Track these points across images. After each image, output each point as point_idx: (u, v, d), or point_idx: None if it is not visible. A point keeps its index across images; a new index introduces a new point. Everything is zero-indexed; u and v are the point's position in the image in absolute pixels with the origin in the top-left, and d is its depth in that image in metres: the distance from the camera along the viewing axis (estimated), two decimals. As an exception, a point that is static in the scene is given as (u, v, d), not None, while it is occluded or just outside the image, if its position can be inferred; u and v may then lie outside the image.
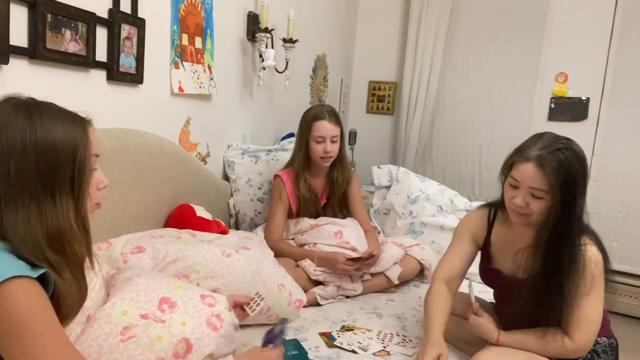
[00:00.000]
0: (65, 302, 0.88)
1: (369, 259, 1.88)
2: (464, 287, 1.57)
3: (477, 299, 1.61)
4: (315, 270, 1.88)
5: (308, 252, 1.94)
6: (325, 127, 2.02)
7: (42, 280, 0.83)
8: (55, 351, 0.80)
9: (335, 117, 2.06)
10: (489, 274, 1.56)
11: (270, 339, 1.18)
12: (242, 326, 1.17)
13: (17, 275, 0.78)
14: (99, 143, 0.96)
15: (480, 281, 1.64)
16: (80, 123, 0.93)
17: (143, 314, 1.02)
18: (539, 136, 1.33)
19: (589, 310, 1.30)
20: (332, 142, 2.04)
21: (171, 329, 1.02)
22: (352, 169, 2.23)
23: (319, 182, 2.15)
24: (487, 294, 1.86)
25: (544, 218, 1.31)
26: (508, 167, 1.35)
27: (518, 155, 1.31)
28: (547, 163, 1.25)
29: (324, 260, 1.88)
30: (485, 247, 1.55)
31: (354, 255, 1.90)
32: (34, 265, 0.82)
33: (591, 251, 1.30)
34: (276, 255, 1.79)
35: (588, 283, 1.30)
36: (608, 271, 1.34)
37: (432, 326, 1.40)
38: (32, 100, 0.89)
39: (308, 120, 2.06)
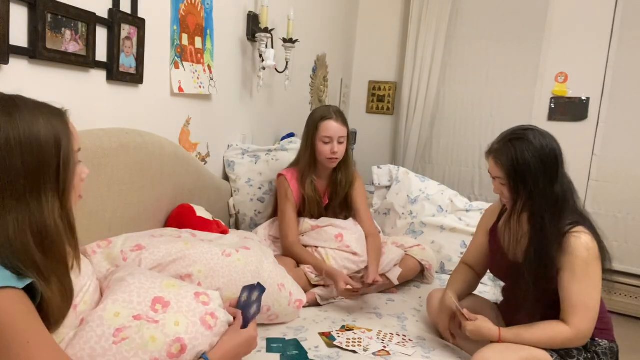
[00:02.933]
0: (53, 308, 0.86)
1: (371, 285, 1.83)
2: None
3: (473, 297, 1.70)
4: (316, 277, 1.88)
5: (319, 263, 1.91)
6: (332, 128, 2.00)
7: (29, 289, 0.81)
8: (42, 359, 0.79)
9: (342, 118, 2.04)
10: (495, 259, 1.60)
11: (243, 310, 1.16)
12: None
13: (2, 286, 0.76)
14: (78, 136, 0.93)
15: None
16: (59, 115, 0.89)
17: (136, 315, 1.02)
18: (506, 131, 1.45)
19: (583, 295, 1.33)
20: (339, 142, 2.02)
21: (165, 329, 1.01)
22: (356, 170, 2.21)
23: (322, 183, 2.14)
24: (487, 294, 1.87)
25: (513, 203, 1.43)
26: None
27: (486, 150, 1.47)
28: (498, 154, 1.40)
29: (330, 275, 1.84)
30: (492, 234, 1.62)
31: (355, 271, 1.92)
32: (19, 274, 0.80)
33: (583, 239, 1.33)
34: (289, 256, 1.82)
35: (579, 269, 1.32)
36: (606, 261, 1.37)
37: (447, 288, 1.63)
38: (8, 97, 0.85)
39: (315, 120, 2.03)
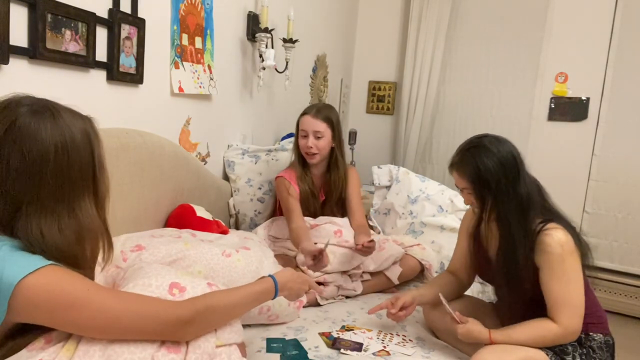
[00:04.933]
0: None
1: (365, 249, 1.78)
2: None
3: (467, 298, 1.70)
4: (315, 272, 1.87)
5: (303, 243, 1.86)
6: (306, 122, 2.02)
7: None
8: (106, 297, 0.87)
9: (322, 114, 2.02)
10: (480, 261, 1.59)
11: None
12: (243, 326, 1.17)
13: (41, 266, 0.81)
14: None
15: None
16: (88, 121, 0.94)
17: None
18: (462, 143, 1.49)
19: (564, 292, 1.33)
20: (317, 138, 2.01)
21: None
22: (352, 164, 2.21)
23: (316, 180, 2.16)
24: (487, 294, 1.87)
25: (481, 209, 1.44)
26: None
27: (448, 165, 1.49)
28: (458, 166, 1.44)
29: (303, 252, 1.80)
30: (475, 236, 1.61)
31: (354, 266, 1.90)
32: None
33: (555, 235, 1.34)
34: (292, 240, 1.85)
35: (556, 265, 1.33)
36: (586, 256, 1.38)
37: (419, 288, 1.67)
38: (46, 102, 0.89)
39: (299, 116, 2.09)
